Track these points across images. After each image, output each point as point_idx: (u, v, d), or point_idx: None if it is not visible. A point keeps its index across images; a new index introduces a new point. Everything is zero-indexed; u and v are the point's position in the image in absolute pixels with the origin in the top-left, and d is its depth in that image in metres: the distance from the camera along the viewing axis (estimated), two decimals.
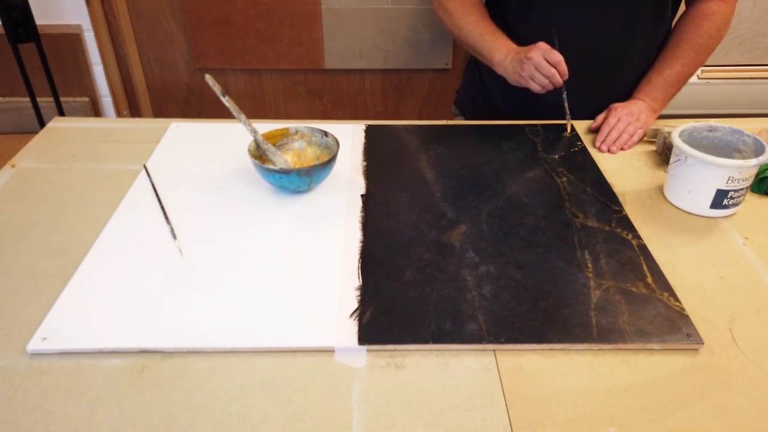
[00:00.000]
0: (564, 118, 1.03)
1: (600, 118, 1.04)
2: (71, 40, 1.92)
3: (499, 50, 1.04)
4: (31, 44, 1.66)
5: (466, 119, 1.31)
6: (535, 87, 0.99)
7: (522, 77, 1.00)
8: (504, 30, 1.08)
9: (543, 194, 0.85)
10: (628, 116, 1.01)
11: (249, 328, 0.62)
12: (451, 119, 1.33)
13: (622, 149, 0.99)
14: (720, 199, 0.80)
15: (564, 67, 0.96)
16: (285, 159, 0.86)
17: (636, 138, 1.00)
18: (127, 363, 0.59)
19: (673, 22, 1.11)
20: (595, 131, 1.04)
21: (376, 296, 0.66)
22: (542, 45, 0.97)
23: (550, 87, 0.98)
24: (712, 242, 0.77)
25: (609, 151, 0.98)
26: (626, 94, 1.10)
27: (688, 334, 0.62)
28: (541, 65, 0.96)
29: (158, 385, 0.56)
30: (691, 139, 0.86)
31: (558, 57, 0.95)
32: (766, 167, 0.86)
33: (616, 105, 1.04)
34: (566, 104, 1.01)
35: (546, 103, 1.04)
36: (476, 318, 0.63)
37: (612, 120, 1.01)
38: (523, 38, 1.04)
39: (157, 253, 0.72)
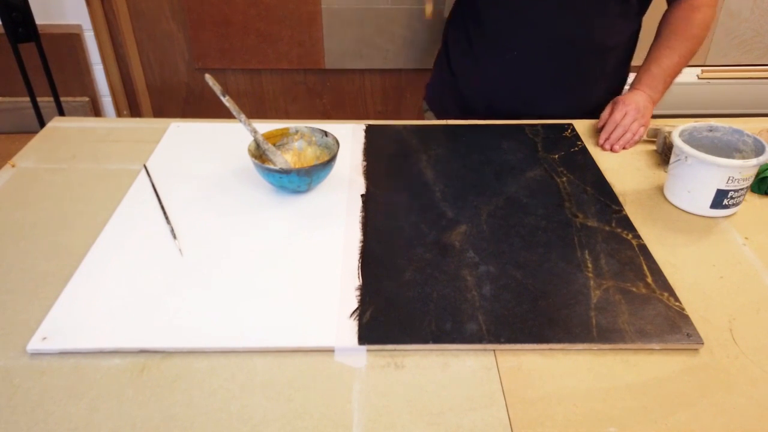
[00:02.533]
0: None
1: (605, 114, 1.03)
2: (71, 39, 1.92)
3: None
4: (31, 44, 1.66)
5: (436, 115, 1.30)
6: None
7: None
8: (475, 16, 1.09)
9: (543, 194, 0.85)
10: (635, 111, 1.00)
11: (249, 328, 0.62)
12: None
13: (624, 148, 0.99)
14: (720, 199, 0.80)
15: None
16: (285, 159, 0.86)
17: (638, 137, 1.00)
18: (127, 363, 0.59)
19: (644, 16, 1.11)
20: (601, 130, 1.03)
21: (376, 296, 0.66)
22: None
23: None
24: (712, 242, 0.77)
25: (611, 149, 0.98)
26: (606, 84, 1.10)
27: (688, 334, 0.62)
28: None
29: (158, 385, 0.56)
30: (691, 139, 0.86)
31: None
32: (766, 167, 0.86)
33: (622, 98, 1.03)
34: None
35: (516, 96, 1.03)
36: (476, 318, 0.63)
37: (618, 115, 1.00)
38: (493, 23, 1.05)
39: (157, 253, 0.72)
